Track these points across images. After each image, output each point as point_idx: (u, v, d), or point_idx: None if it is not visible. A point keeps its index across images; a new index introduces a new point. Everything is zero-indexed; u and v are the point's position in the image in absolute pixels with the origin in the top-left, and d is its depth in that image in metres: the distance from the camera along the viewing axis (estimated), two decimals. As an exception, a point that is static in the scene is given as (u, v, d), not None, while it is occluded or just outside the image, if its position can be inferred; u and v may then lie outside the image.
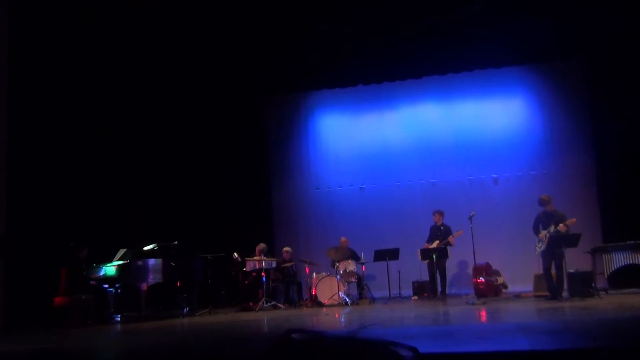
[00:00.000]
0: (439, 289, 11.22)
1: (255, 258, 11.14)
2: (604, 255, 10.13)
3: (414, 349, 0.76)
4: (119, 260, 10.18)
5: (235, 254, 11.18)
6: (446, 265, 11.39)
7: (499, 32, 11.26)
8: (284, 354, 0.70)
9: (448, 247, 11.17)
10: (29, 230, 10.00)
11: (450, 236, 11.26)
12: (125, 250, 10.38)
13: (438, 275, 11.27)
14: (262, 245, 11.55)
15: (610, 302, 8.31)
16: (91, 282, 9.95)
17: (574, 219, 9.48)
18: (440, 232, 11.48)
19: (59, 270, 9.63)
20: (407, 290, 11.80)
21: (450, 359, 4.08)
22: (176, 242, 10.62)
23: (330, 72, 12.95)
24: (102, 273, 10.04)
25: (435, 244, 11.33)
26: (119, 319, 9.79)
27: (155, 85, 12.40)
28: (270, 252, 11.90)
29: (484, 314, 7.97)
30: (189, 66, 12.28)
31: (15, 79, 9.71)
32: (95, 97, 11.61)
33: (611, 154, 11.69)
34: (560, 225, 9.31)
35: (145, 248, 10.40)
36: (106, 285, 10.01)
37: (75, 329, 8.90)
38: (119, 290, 10.12)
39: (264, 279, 10.76)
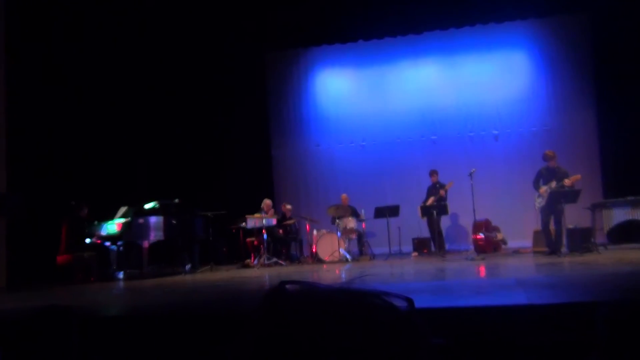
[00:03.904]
0: (438, 245, 11.29)
1: (255, 215, 11.19)
2: (603, 211, 10.16)
3: (408, 300, 0.75)
4: (120, 217, 10.23)
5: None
6: (441, 221, 11.43)
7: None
8: (276, 304, 0.69)
9: (448, 204, 11.19)
10: (30, 188, 10.03)
11: (441, 190, 11.28)
12: (126, 208, 10.42)
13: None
14: (268, 201, 11.60)
15: (609, 258, 8.36)
16: (93, 239, 10.02)
17: (579, 176, 9.43)
18: (436, 190, 11.51)
19: (60, 228, 9.68)
20: (407, 247, 11.89)
21: (449, 312, 4.13)
22: (177, 200, 10.65)
23: (331, 27, 12.76)
24: (103, 231, 10.10)
25: (430, 201, 11.37)
26: (121, 276, 9.88)
27: (158, 42, 12.28)
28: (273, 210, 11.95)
29: (483, 269, 8.04)
30: (189, 23, 12.13)
31: (14, 34, 9.61)
32: (97, 53, 11.53)
33: (613, 111, 11.60)
34: (566, 180, 9.28)
35: (147, 206, 10.44)
36: (108, 243, 10.09)
37: (78, 286, 8.99)
38: (121, 248, 10.20)
39: (265, 236, 10.82)
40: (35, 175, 10.44)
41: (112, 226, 10.06)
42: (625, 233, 10.37)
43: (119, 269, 10.06)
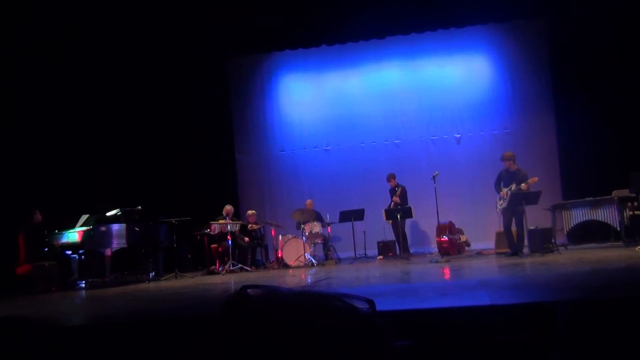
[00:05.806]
0: (403, 248, 11.35)
1: (220, 221, 11.10)
2: (563, 212, 10.37)
3: (370, 301, 0.76)
4: (81, 226, 10.05)
5: None
6: (405, 224, 11.50)
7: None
8: (237, 308, 0.69)
9: (412, 207, 11.27)
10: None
11: (395, 196, 11.41)
12: (87, 216, 10.25)
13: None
14: (229, 207, 11.50)
15: (569, 257, 8.52)
16: (54, 248, 9.83)
17: (536, 178, 9.57)
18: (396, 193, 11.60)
19: (17, 237, 9.49)
20: (373, 250, 11.93)
21: (415, 314, 4.16)
22: (140, 207, 10.52)
23: (293, 32, 12.72)
24: (64, 239, 9.91)
25: (393, 204, 11.46)
26: (83, 286, 9.71)
27: (118, 46, 12.10)
28: (235, 215, 11.88)
29: (447, 271, 8.12)
30: (151, 28, 11.97)
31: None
32: (54, 55, 11.34)
33: (571, 113, 11.82)
34: (522, 184, 9.43)
35: (108, 213, 10.28)
36: (69, 252, 9.90)
37: (40, 296, 8.81)
38: (83, 257, 10.02)
39: (229, 241, 10.74)
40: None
41: (73, 234, 9.87)
42: (585, 233, 10.62)
43: (81, 278, 9.88)
